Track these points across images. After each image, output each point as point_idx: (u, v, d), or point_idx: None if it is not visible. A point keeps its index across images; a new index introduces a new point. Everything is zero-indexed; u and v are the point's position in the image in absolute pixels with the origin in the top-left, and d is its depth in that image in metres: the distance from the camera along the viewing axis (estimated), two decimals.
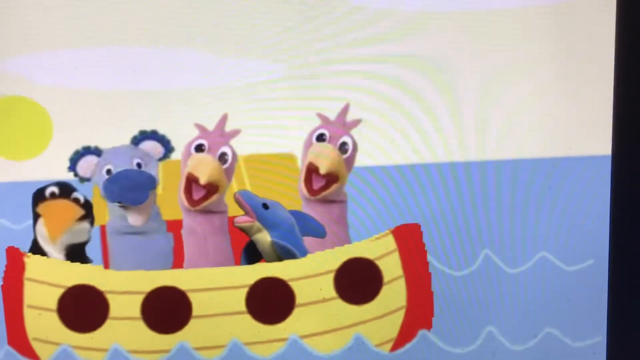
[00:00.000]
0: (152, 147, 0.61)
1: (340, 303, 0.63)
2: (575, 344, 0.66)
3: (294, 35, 0.61)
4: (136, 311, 0.61)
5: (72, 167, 0.61)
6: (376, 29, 0.61)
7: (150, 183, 0.62)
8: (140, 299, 0.61)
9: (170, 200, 0.63)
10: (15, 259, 0.62)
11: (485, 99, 0.62)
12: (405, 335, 0.64)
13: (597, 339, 0.66)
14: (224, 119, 0.61)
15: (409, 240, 0.63)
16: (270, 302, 0.62)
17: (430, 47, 0.61)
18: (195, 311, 0.62)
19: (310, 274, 0.62)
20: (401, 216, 0.63)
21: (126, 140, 0.61)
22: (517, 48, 0.62)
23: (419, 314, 0.64)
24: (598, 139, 0.63)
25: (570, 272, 0.64)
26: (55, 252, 0.62)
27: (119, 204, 0.62)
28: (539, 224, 0.64)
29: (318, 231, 0.63)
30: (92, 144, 0.61)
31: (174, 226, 0.63)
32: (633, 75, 0.63)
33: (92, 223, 0.62)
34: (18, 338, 0.62)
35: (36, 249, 0.62)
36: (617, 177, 0.63)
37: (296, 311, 0.62)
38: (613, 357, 0.66)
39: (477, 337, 0.65)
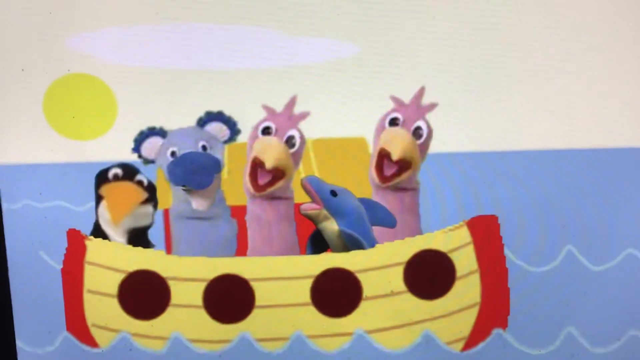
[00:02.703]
0: (218, 129, 0.60)
1: (409, 297, 0.60)
2: None
3: (368, 13, 0.58)
4: (198, 299, 0.60)
5: (137, 149, 0.60)
6: (456, 8, 0.58)
7: (215, 166, 0.60)
8: (202, 286, 0.60)
9: (235, 184, 0.61)
10: (76, 241, 0.61)
11: (571, 83, 0.59)
12: (478, 333, 0.61)
13: None
14: (292, 100, 0.60)
15: (485, 232, 0.60)
16: (336, 294, 0.60)
17: (514, 30, 0.58)
18: (258, 301, 0.60)
19: (379, 265, 0.60)
20: (477, 207, 0.60)
21: (192, 121, 0.60)
22: (607, 28, 0.59)
23: (493, 311, 0.61)
24: None
25: None
26: (117, 236, 0.61)
27: (183, 188, 0.60)
28: (627, 218, 0.60)
29: (388, 221, 0.61)
30: (157, 124, 0.60)
31: (239, 212, 0.62)
32: None
33: (155, 206, 0.61)
34: (77, 324, 0.62)
35: (98, 232, 0.61)
36: None
37: (363, 304, 0.60)
38: None
39: (556, 338, 0.62)
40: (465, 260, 0.60)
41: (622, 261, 0.61)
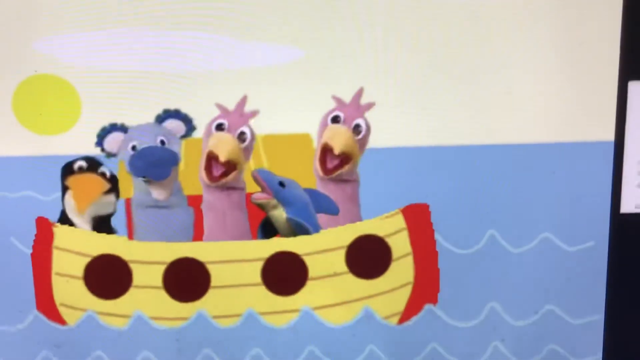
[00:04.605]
0: (175, 126, 0.63)
1: (350, 277, 0.65)
2: (575, 320, 0.67)
3: (311, 21, 0.61)
4: (158, 280, 0.64)
5: (99, 143, 0.63)
6: (391, 19, 0.61)
7: (173, 159, 0.64)
8: (162, 268, 0.64)
9: (191, 176, 0.64)
10: (44, 228, 0.65)
11: (492, 85, 0.63)
12: (412, 308, 0.66)
13: (595, 317, 0.67)
14: (243, 100, 0.63)
15: (418, 219, 0.65)
16: (285, 275, 0.65)
17: (439, 34, 0.62)
18: (214, 282, 0.65)
19: (323, 249, 0.65)
20: (411, 196, 0.64)
21: (151, 118, 0.63)
22: (524, 35, 0.62)
23: (425, 289, 0.66)
24: (602, 126, 0.64)
25: (571, 253, 0.66)
26: (83, 223, 0.65)
27: (144, 179, 0.64)
28: (543, 206, 0.65)
29: (331, 209, 0.65)
30: (119, 121, 0.63)
31: (195, 201, 0.65)
32: (638, 62, 0.63)
33: (117, 196, 0.64)
34: (46, 303, 0.66)
35: (64, 219, 0.64)
36: (618, 162, 0.64)
37: (309, 284, 0.65)
38: (610, 334, 0.68)
39: (480, 312, 0.67)
40: (400, 244, 0.65)
41: (538, 244, 0.66)
